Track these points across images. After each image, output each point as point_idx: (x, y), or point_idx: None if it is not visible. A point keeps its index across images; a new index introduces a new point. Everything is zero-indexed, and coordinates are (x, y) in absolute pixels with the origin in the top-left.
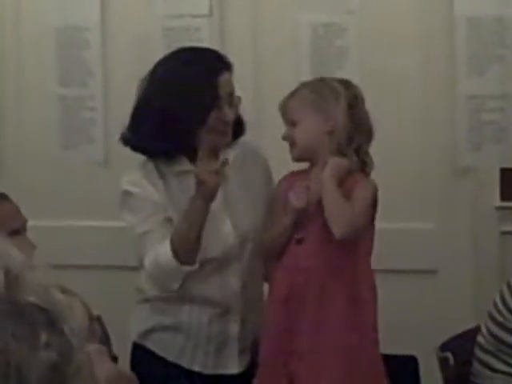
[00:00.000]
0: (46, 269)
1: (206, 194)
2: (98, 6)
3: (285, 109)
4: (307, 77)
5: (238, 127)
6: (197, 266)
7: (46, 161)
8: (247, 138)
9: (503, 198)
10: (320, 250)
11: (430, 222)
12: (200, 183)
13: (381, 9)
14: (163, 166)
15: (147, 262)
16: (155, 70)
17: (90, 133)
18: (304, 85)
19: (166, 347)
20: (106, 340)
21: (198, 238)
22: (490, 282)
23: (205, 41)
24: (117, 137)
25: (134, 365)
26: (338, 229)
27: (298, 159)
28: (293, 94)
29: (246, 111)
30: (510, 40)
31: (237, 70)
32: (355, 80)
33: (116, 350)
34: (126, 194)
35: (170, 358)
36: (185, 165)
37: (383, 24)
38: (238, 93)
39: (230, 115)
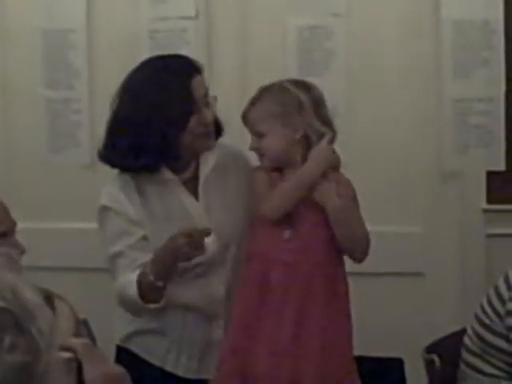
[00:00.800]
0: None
1: (177, 257)
2: (83, 9)
3: (248, 120)
4: None
5: (216, 128)
6: (162, 303)
7: (33, 163)
8: (230, 141)
9: (489, 200)
10: (306, 247)
11: (416, 224)
12: (175, 247)
13: (367, 12)
14: (142, 176)
15: (117, 287)
16: (126, 82)
17: (77, 136)
18: (265, 93)
19: (149, 350)
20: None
21: (165, 286)
22: (476, 284)
23: (191, 43)
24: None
25: None
26: (358, 254)
27: (270, 167)
28: (254, 103)
29: (233, 114)
30: (496, 43)
31: (223, 72)
32: (341, 82)
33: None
34: (104, 209)
35: (154, 361)
36: (166, 174)
37: (370, 27)
38: (212, 94)
39: (209, 116)
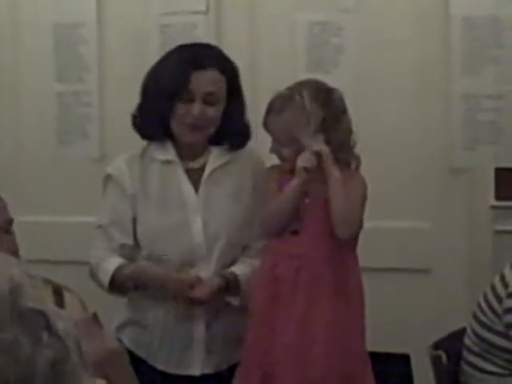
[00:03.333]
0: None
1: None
2: (94, 3)
3: (269, 129)
4: (303, 75)
5: (238, 138)
6: (127, 297)
7: (43, 156)
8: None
9: (498, 197)
10: (313, 241)
11: (424, 221)
12: (165, 287)
13: (377, 8)
14: (152, 152)
15: (91, 260)
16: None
17: (86, 129)
18: (288, 105)
19: (136, 342)
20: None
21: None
22: (483, 281)
23: (201, 38)
24: (112, 133)
25: None
26: (344, 229)
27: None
28: (275, 113)
29: None
30: (506, 40)
31: None
32: (350, 79)
33: None
34: (106, 177)
35: (140, 353)
36: (170, 154)
37: (379, 23)
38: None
39: (197, 111)
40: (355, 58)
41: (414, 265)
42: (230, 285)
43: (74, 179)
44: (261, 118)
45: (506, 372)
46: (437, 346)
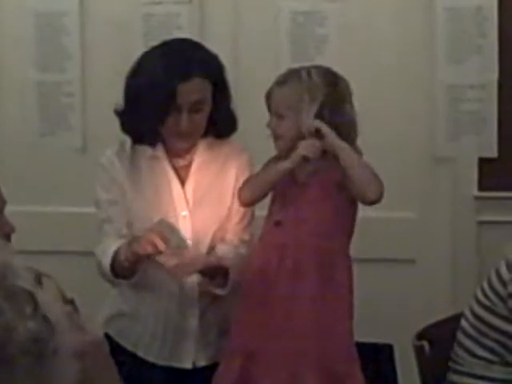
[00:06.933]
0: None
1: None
2: None
3: (273, 99)
4: (287, 64)
5: (224, 127)
6: (133, 280)
7: (24, 147)
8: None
9: (481, 187)
10: (295, 230)
11: (408, 211)
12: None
13: None
14: (140, 147)
15: (96, 252)
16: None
17: (68, 119)
18: (295, 78)
19: (123, 335)
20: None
21: (133, 267)
22: (467, 271)
23: (184, 27)
24: (95, 123)
25: None
26: (374, 191)
27: (283, 152)
28: (282, 84)
29: None
30: (490, 30)
31: None
32: (334, 68)
33: None
34: (99, 166)
35: (127, 345)
36: (158, 150)
37: (363, 13)
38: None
39: (185, 122)
40: (339, 47)
41: (398, 255)
42: (218, 273)
43: (57, 169)
44: (244, 106)
45: (495, 358)
46: (420, 336)
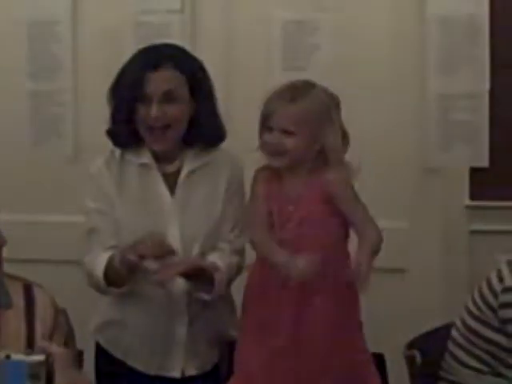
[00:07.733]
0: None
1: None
2: (69, 0)
3: (281, 116)
4: (278, 74)
5: (211, 137)
6: (125, 288)
7: (16, 155)
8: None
9: (473, 197)
10: (296, 248)
11: (399, 221)
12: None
13: (353, 7)
14: (129, 155)
15: (86, 261)
16: None
17: (60, 128)
18: (304, 95)
19: (114, 343)
20: (70, 334)
21: (128, 274)
22: (459, 280)
23: (176, 37)
24: (86, 132)
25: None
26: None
27: (285, 167)
28: (292, 101)
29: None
30: (482, 39)
31: (207, 66)
32: (325, 78)
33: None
34: (89, 176)
35: (117, 354)
36: (147, 158)
37: (355, 23)
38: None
39: (155, 111)
40: (330, 57)
41: (390, 264)
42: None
43: (48, 178)
44: (235, 115)
45: (486, 369)
46: (411, 345)
